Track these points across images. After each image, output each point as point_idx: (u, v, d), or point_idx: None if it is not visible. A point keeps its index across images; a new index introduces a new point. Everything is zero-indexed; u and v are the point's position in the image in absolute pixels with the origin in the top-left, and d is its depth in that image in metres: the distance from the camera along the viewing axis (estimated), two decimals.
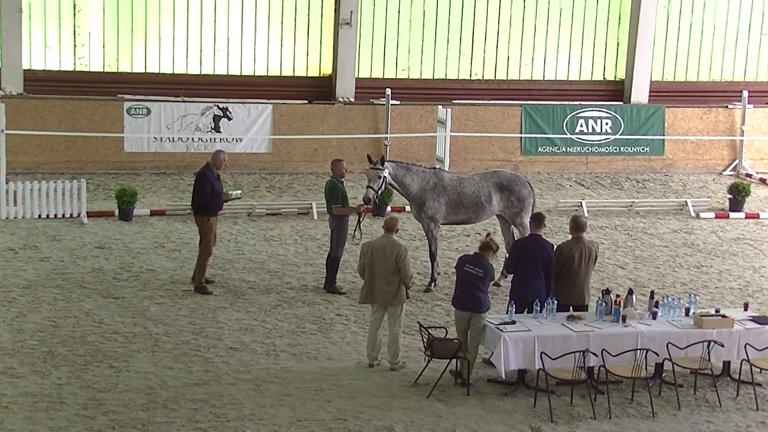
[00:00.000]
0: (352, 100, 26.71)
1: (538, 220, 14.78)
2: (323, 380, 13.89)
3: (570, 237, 14.80)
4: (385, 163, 17.65)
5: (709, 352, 13.73)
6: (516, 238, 17.55)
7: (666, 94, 28.71)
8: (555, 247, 14.65)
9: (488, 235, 14.61)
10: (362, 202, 17.56)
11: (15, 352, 14.32)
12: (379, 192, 17.65)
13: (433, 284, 17.79)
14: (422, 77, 27.60)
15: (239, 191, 19.07)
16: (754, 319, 14.57)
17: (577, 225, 14.69)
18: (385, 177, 17.41)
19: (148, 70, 26.06)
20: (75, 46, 25.62)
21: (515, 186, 18.00)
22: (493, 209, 17.97)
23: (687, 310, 14.44)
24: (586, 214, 22.40)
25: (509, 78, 28.12)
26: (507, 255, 17.59)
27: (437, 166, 21.69)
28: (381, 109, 26.26)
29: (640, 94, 28.44)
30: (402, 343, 14.56)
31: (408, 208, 20.09)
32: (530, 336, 13.48)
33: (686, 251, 20.99)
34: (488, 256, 14.01)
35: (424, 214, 17.70)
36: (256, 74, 26.73)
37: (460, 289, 13.96)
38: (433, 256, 17.86)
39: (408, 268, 14.18)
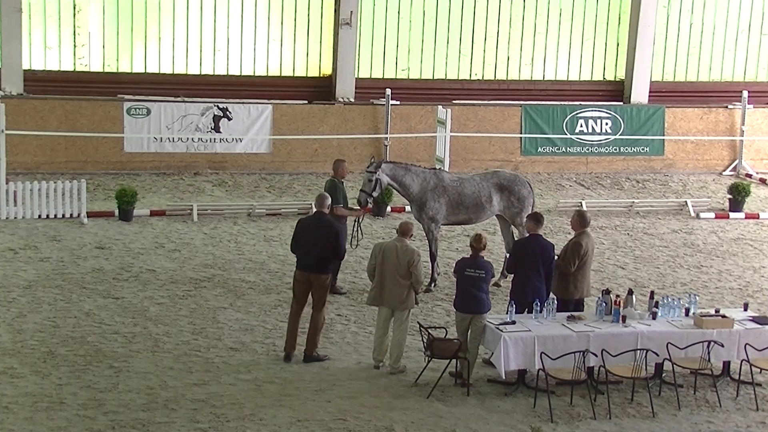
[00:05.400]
0: (352, 100, 26.69)
1: (537, 219, 14.77)
2: (323, 380, 13.88)
3: (573, 233, 14.84)
4: (382, 164, 17.65)
5: (709, 353, 13.74)
6: (516, 238, 17.56)
7: (666, 94, 28.69)
8: (555, 246, 14.67)
9: (476, 234, 14.52)
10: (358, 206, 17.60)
11: (15, 352, 14.32)
12: (373, 194, 17.66)
13: (433, 284, 17.77)
14: (422, 77, 27.58)
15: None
16: (754, 320, 14.57)
17: (584, 219, 14.75)
18: (378, 180, 17.43)
19: (148, 70, 26.03)
20: (75, 46, 25.60)
21: (515, 186, 18.00)
22: (493, 209, 17.97)
23: (687, 311, 14.45)
24: None
25: (509, 78, 28.11)
26: (507, 255, 17.63)
27: (437, 167, 21.68)
28: (381, 109, 26.25)
29: (640, 94, 28.42)
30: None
31: (408, 208, 20.09)
32: (530, 336, 13.48)
33: (686, 251, 20.99)
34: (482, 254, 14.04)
35: (424, 215, 17.70)
36: (256, 74, 26.70)
37: (461, 292, 13.95)
38: (433, 257, 17.86)
39: (419, 273, 14.14)
